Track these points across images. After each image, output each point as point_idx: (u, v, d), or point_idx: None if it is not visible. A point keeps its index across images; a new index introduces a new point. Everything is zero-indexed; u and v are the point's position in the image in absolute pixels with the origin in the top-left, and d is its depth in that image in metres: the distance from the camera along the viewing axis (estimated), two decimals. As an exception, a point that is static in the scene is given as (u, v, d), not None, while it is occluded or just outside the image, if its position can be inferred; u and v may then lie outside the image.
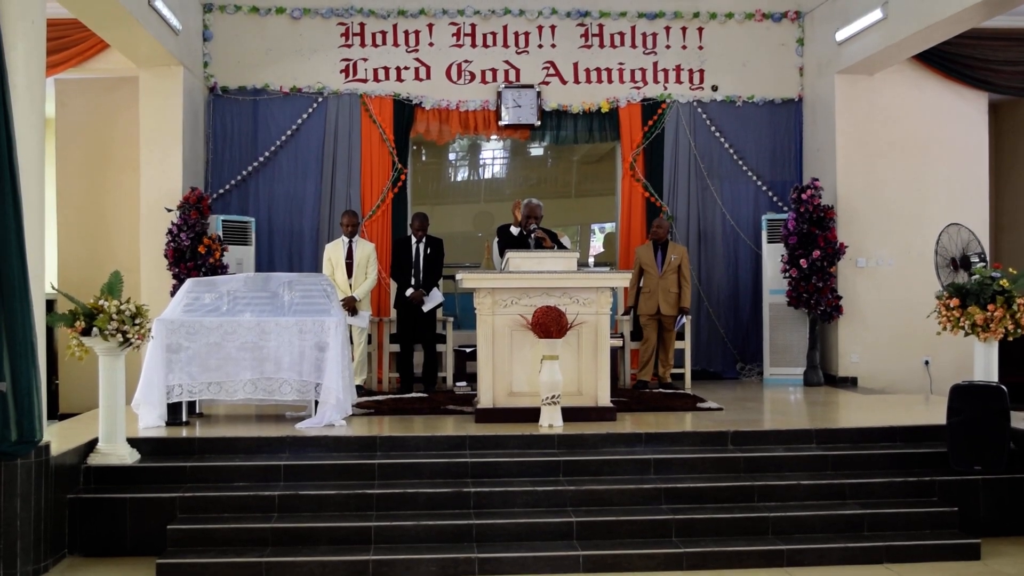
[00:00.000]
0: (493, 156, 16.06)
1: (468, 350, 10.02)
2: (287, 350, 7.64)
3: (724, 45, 11.76)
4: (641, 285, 10.28)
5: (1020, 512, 6.70)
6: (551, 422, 7.35)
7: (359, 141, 11.40)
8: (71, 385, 10.54)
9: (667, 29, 11.74)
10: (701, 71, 11.77)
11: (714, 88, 11.75)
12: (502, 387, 7.77)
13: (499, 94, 11.49)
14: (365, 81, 11.48)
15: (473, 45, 11.61)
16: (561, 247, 9.03)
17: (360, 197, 11.35)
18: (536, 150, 15.42)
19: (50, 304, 8.06)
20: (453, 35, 11.59)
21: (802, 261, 10.50)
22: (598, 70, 11.69)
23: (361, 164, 11.39)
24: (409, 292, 9.84)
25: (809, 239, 10.57)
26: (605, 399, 7.81)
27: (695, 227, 11.65)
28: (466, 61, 11.60)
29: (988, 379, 7.03)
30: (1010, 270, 7.15)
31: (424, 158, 15.01)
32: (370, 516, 6.25)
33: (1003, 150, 12.47)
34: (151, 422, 7.45)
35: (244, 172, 11.23)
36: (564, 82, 11.65)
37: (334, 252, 9.93)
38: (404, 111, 11.48)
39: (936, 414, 7.60)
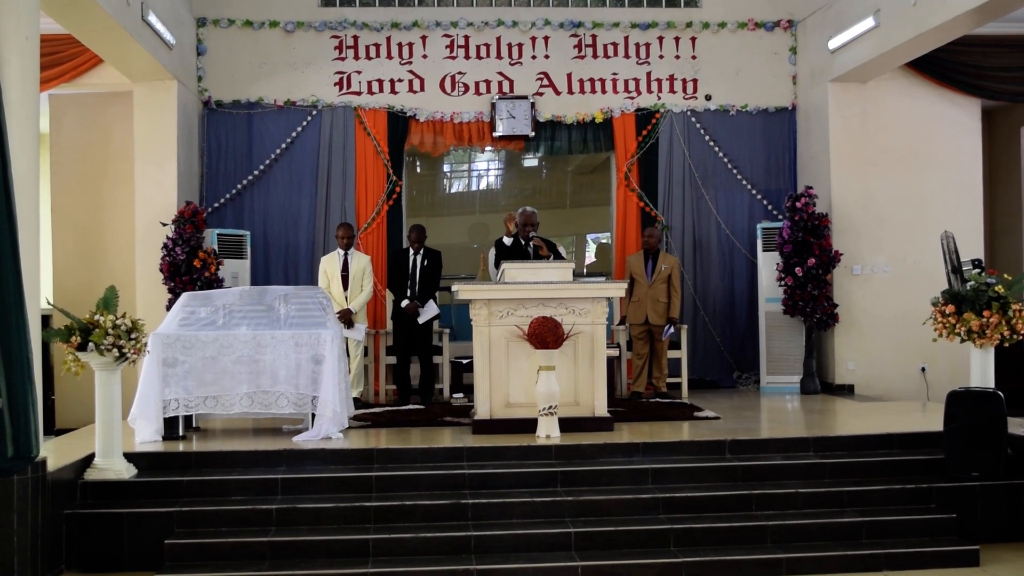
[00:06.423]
0: (488, 167, 16.07)
1: (465, 361, 10.00)
2: (283, 363, 7.63)
3: (717, 54, 11.80)
4: (631, 295, 10.28)
5: (1018, 518, 6.70)
6: (548, 433, 7.34)
7: (354, 154, 11.42)
8: (67, 400, 10.52)
9: (660, 39, 11.77)
10: (694, 80, 11.80)
11: (708, 97, 11.78)
12: (499, 398, 7.76)
13: (493, 105, 11.51)
14: (359, 94, 11.50)
15: (467, 57, 11.64)
16: (558, 256, 9.05)
17: (355, 209, 11.35)
18: (530, 161, 15.43)
19: (46, 319, 8.02)
20: (447, 47, 11.61)
21: (797, 269, 10.51)
22: (592, 80, 11.72)
23: (356, 176, 11.40)
24: (404, 303, 9.85)
25: (804, 247, 10.58)
26: (602, 409, 7.81)
27: (690, 236, 11.67)
28: (460, 73, 11.62)
29: (984, 385, 7.04)
30: (1005, 276, 7.17)
31: (419, 170, 15.01)
32: (368, 529, 6.23)
33: (996, 156, 12.51)
34: (148, 437, 7.43)
35: (239, 186, 11.24)
36: (558, 93, 11.68)
37: (330, 265, 9.94)
38: (398, 123, 11.50)
39: (933, 421, 7.60)
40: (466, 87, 11.62)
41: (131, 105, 10.43)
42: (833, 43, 10.73)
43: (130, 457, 6.71)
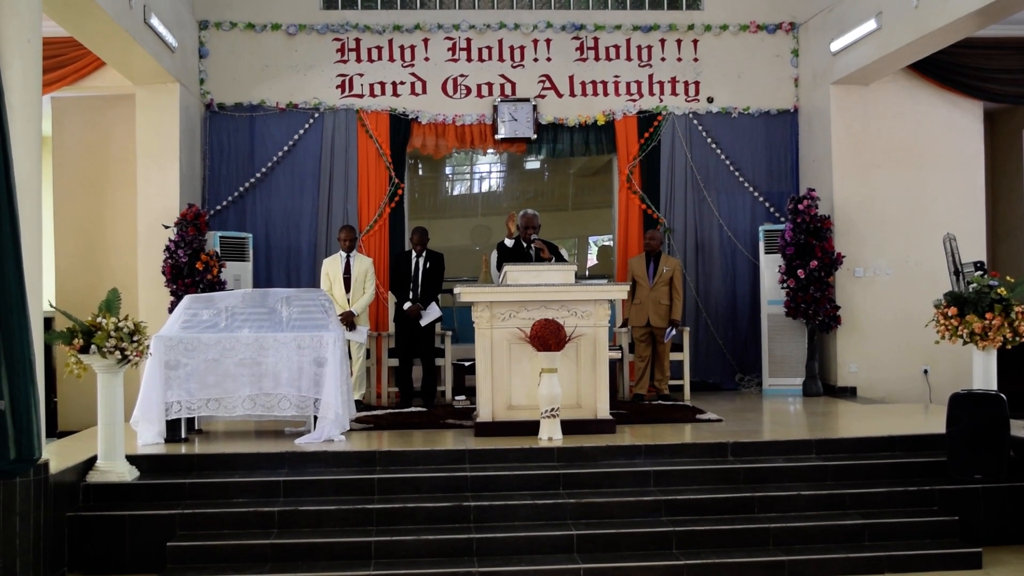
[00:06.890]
0: (489, 170, 16.06)
1: (467, 364, 10.01)
2: (285, 366, 7.63)
3: (719, 57, 11.80)
4: (633, 297, 10.28)
5: (1021, 520, 6.69)
6: (550, 435, 7.34)
7: (356, 156, 11.43)
8: (70, 403, 10.51)
9: (662, 42, 11.77)
10: (696, 83, 11.80)
11: (710, 100, 11.78)
12: (501, 400, 7.76)
13: (495, 108, 11.51)
14: (361, 96, 11.51)
15: (469, 59, 11.65)
16: (560, 259, 9.05)
17: (357, 212, 11.36)
18: (532, 163, 15.40)
19: (48, 322, 8.03)
20: (449, 50, 11.62)
21: (800, 271, 10.50)
22: (594, 83, 11.73)
23: (358, 179, 11.41)
24: (406, 306, 9.85)
25: (806, 249, 10.57)
26: (604, 411, 7.80)
27: (692, 239, 11.66)
28: (462, 75, 11.63)
29: (987, 387, 7.03)
30: (1007, 278, 7.16)
31: (421, 172, 15.01)
32: (370, 531, 6.23)
33: (999, 159, 12.49)
34: (150, 439, 7.43)
35: (241, 188, 11.24)
36: (560, 95, 11.68)
37: (332, 267, 9.94)
38: (400, 126, 11.51)
39: (936, 423, 7.60)
40: (468, 90, 11.63)
41: (133, 108, 10.43)
42: (835, 45, 10.72)
43: (132, 459, 6.71)
